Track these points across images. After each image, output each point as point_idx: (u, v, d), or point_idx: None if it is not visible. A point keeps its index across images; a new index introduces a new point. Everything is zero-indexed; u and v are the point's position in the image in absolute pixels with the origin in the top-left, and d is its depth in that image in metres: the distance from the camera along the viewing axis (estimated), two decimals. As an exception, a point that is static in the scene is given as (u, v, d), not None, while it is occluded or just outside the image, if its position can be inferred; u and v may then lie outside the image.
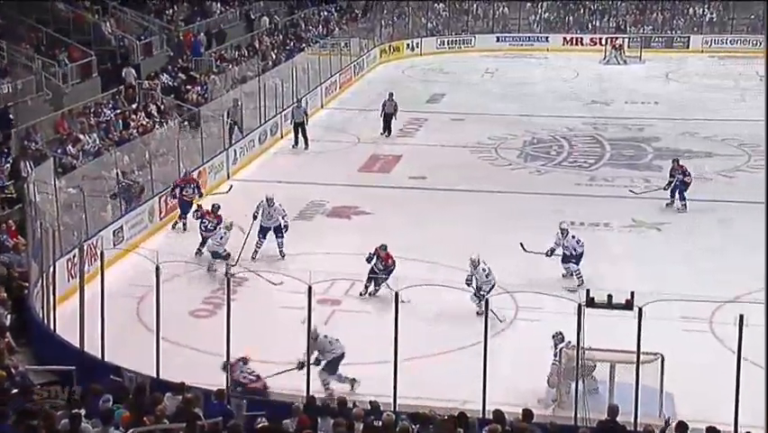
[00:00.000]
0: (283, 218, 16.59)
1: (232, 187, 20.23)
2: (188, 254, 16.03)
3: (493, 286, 13.96)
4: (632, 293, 10.50)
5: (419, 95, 30.19)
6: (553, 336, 12.01)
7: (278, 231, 16.57)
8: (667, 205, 18.86)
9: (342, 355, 12.19)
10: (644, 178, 21.01)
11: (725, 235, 17.48)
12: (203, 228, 16.66)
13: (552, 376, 11.92)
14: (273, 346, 12.77)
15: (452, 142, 24.34)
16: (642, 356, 10.70)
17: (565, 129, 25.49)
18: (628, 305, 10.46)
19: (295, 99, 25.09)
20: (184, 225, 17.93)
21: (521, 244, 15.57)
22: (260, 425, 9.28)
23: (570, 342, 11.40)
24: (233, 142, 22.17)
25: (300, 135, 23.84)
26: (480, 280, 14.14)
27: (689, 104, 28.45)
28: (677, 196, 18.86)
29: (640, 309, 10.53)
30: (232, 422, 9.23)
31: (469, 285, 14.08)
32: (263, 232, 16.53)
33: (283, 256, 16.51)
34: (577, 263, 15.38)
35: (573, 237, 15.50)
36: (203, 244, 16.52)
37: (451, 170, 21.92)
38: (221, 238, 15.92)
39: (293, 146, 23.87)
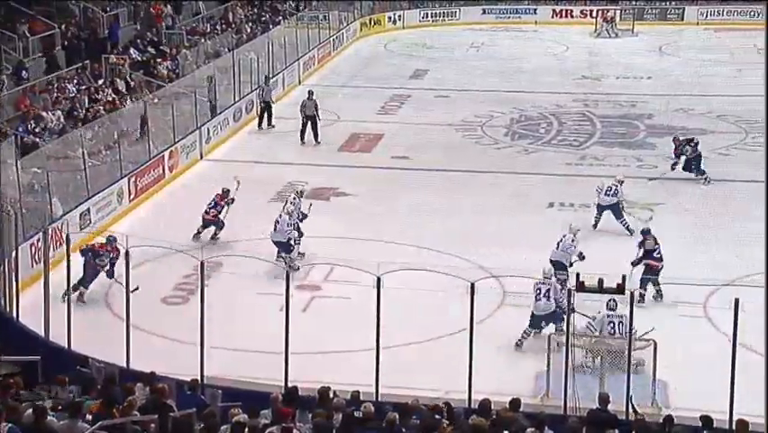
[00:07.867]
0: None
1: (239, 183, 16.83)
2: (160, 238, 15.44)
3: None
4: (623, 276, 10.23)
5: (402, 70, 29.64)
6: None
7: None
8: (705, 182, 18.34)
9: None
10: (637, 157, 20.49)
11: (720, 216, 17.01)
12: None
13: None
14: (249, 334, 12.32)
15: (435, 121, 23.74)
16: (634, 343, 10.34)
17: (554, 106, 25.00)
18: (620, 289, 10.20)
19: (271, 75, 24.38)
20: (81, 294, 13.45)
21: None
22: (235, 416, 8.79)
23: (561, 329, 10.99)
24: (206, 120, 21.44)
25: (265, 115, 22.64)
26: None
27: (683, 79, 27.92)
28: (694, 172, 18.26)
29: (632, 294, 10.29)
30: (206, 411, 8.84)
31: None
32: None
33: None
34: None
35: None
36: None
37: (434, 149, 21.39)
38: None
39: (258, 128, 22.77)
